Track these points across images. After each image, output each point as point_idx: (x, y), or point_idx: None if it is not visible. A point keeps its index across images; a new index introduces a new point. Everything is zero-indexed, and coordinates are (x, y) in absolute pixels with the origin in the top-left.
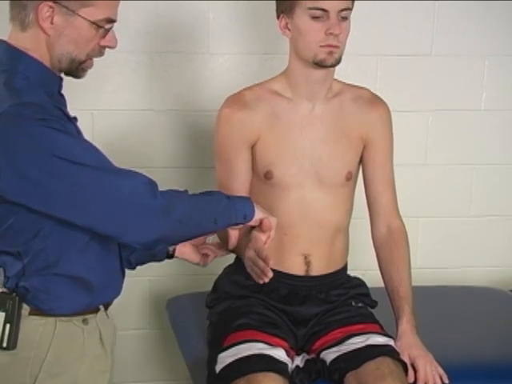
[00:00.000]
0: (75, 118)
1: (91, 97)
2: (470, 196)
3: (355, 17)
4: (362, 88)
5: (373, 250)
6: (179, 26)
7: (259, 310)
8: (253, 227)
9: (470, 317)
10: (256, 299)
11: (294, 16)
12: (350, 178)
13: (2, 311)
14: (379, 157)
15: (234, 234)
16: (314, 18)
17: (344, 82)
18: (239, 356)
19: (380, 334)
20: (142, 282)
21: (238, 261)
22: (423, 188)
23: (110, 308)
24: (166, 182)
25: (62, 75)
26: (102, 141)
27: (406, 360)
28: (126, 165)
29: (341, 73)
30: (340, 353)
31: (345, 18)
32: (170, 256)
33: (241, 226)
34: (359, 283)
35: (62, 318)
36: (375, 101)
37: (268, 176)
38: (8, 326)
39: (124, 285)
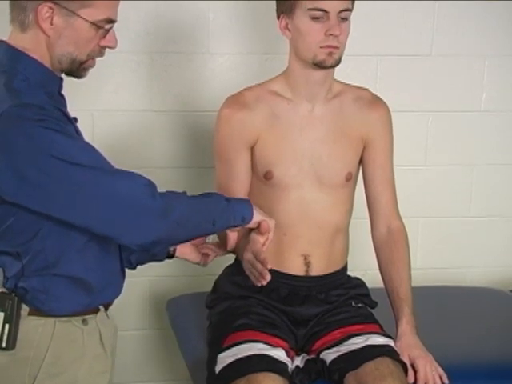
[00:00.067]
0: (75, 119)
1: (91, 97)
2: (470, 196)
3: (355, 17)
4: (362, 88)
5: (373, 250)
6: (179, 26)
7: (259, 310)
8: (251, 229)
9: (469, 317)
10: (256, 299)
11: (294, 17)
12: (350, 179)
13: (1, 311)
14: (379, 157)
15: (232, 235)
16: (314, 18)
17: (344, 83)
18: (239, 356)
19: (380, 334)
20: (142, 283)
21: (238, 261)
22: (423, 188)
23: (110, 308)
24: (165, 182)
25: (63, 75)
26: (102, 141)
27: (406, 360)
28: (126, 165)
29: (341, 73)
30: (340, 353)
31: (345, 19)
32: (171, 256)
33: (239, 227)
34: (359, 283)
35: (62, 319)
36: (375, 101)
37: (268, 176)
38: (7, 326)
39: (124, 285)
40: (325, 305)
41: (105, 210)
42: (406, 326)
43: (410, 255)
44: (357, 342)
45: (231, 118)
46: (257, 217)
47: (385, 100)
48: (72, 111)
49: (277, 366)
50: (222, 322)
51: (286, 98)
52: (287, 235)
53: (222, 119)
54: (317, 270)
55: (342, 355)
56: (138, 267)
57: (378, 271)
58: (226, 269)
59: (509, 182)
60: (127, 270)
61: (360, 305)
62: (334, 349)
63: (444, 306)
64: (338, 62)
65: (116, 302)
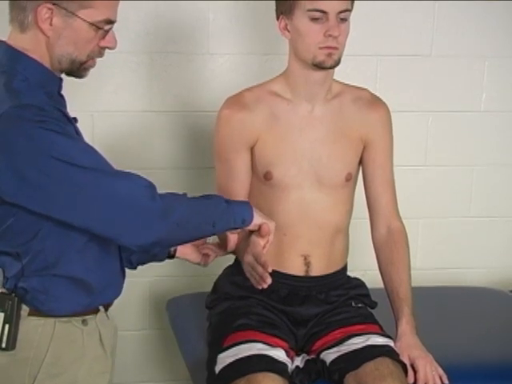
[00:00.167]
0: (75, 119)
1: (91, 97)
2: (470, 197)
3: (355, 17)
4: (361, 89)
5: (373, 250)
6: (179, 26)
7: (259, 310)
8: (251, 231)
9: (469, 317)
10: (256, 300)
11: (293, 17)
12: (350, 179)
13: (1, 312)
14: (379, 158)
15: (232, 237)
16: (313, 19)
17: (344, 83)
18: (239, 356)
19: (380, 334)
20: (142, 283)
21: (238, 262)
22: (423, 189)
23: (110, 309)
24: (165, 182)
25: (63, 76)
26: (102, 142)
27: (406, 361)
28: (126, 165)
29: (341, 73)
30: (340, 353)
31: (344, 20)
32: (171, 256)
33: (239, 230)
34: (359, 284)
35: (62, 319)
36: (375, 102)
37: (267, 177)
38: (7, 326)
39: (124, 285)
40: (325, 305)
41: (105, 211)
42: (405, 327)
43: (409, 256)
44: (357, 342)
45: (231, 118)
46: (257, 219)
47: (385, 100)
48: (72, 112)
49: (277, 366)
50: (221, 322)
51: (285, 99)
52: (287, 235)
53: (221, 120)
54: (317, 270)
55: (341, 355)
56: (138, 267)
57: (377, 271)
58: (225, 269)
59: (509, 182)
60: (127, 271)
61: (360, 305)
62: (334, 349)
63: (444, 306)
64: (337, 63)
65: (116, 302)
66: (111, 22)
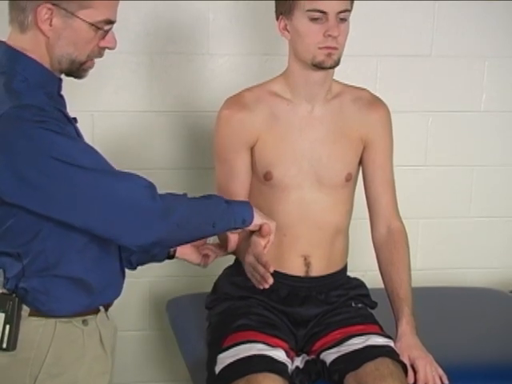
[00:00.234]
0: (75, 119)
1: (91, 98)
2: (470, 197)
3: (355, 17)
4: (361, 89)
5: (373, 250)
6: (179, 26)
7: (259, 310)
8: (252, 231)
9: (469, 318)
10: (256, 300)
11: (292, 18)
12: (350, 179)
13: (2, 312)
14: (379, 158)
15: (233, 237)
16: (313, 19)
17: (344, 83)
18: (239, 357)
19: (380, 334)
20: (142, 283)
21: (238, 262)
22: (423, 189)
23: (110, 309)
24: (165, 183)
25: (62, 76)
26: (102, 142)
27: (406, 361)
28: (126, 165)
29: (341, 74)
30: (340, 353)
31: (344, 20)
32: (171, 257)
33: (239, 230)
34: (359, 284)
35: (62, 319)
36: (375, 102)
37: (267, 177)
38: (8, 326)
39: (124, 286)
40: (325, 305)
41: (105, 211)
42: (405, 327)
43: (409, 256)
44: (357, 343)
45: (231, 118)
46: (257, 219)
47: (385, 100)
48: (72, 112)
49: (277, 366)
50: (221, 322)
51: (285, 99)
52: (287, 236)
53: (221, 120)
54: (317, 270)
55: (341, 356)
56: (138, 268)
57: (377, 272)
58: (225, 269)
59: (509, 183)
60: (127, 271)
61: (360, 305)
62: (334, 349)
63: (444, 306)
64: (337, 63)
65: (116, 302)
66: (111, 22)
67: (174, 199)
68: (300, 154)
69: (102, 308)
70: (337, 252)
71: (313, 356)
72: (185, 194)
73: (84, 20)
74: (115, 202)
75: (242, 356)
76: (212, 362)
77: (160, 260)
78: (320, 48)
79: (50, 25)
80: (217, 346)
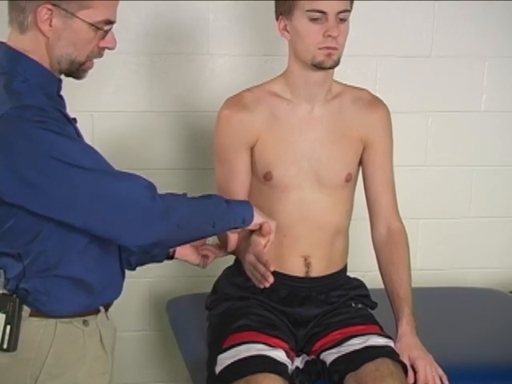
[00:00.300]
0: (74, 120)
1: (91, 98)
2: (470, 197)
3: (355, 17)
4: (361, 89)
5: (372, 251)
6: (179, 27)
7: (259, 311)
8: (252, 231)
9: (470, 318)
10: (256, 300)
11: (292, 18)
12: (350, 180)
13: (3, 313)
14: (379, 158)
15: (233, 237)
16: (313, 20)
17: (344, 84)
18: (239, 357)
19: (380, 335)
20: (142, 284)
21: (238, 262)
22: (423, 189)
23: (110, 309)
24: (165, 183)
25: (62, 77)
26: (102, 142)
27: (406, 361)
28: (126, 166)
29: (340, 74)
30: (340, 354)
31: (343, 20)
32: (170, 257)
33: (239, 229)
34: (359, 284)
35: (63, 320)
36: (375, 102)
37: (267, 177)
38: (8, 327)
39: (124, 286)
40: (325, 306)
41: (105, 211)
42: (406, 327)
43: (409, 256)
44: (357, 343)
45: (231, 118)
46: (257, 219)
47: (385, 101)
48: (72, 112)
49: (277, 366)
50: (221, 323)
51: (285, 99)
52: (287, 236)
53: (221, 120)
54: (317, 271)
55: (341, 356)
56: (138, 268)
57: (377, 272)
58: (225, 270)
59: (509, 183)
60: (127, 271)
61: (360, 306)
62: (334, 350)
63: (444, 306)
64: (336, 63)
65: (116, 302)
66: (111, 22)
67: (174, 199)
68: (300, 154)
69: (102, 308)
70: (337, 252)
71: (313, 356)
72: (185, 194)
73: (84, 20)
74: (115, 202)
75: (242, 356)
76: (212, 362)
77: (159, 260)
78: (320, 48)
79: (50, 25)
80: (217, 346)
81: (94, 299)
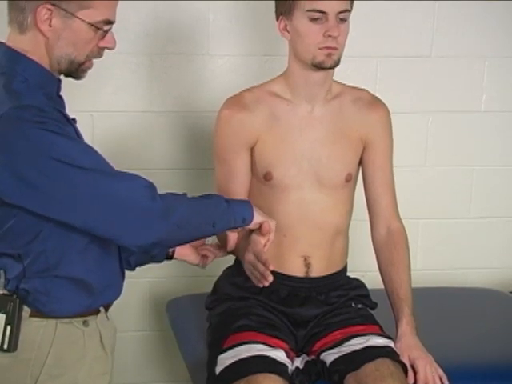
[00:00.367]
0: (74, 120)
1: (91, 98)
2: (470, 197)
3: (355, 17)
4: (361, 90)
5: (372, 251)
6: (179, 27)
7: (259, 311)
8: (252, 230)
9: (470, 318)
10: (256, 301)
11: (292, 18)
12: (350, 180)
13: (3, 313)
14: (379, 159)
15: (232, 236)
16: (313, 20)
17: (344, 84)
18: (239, 357)
19: (380, 335)
20: (142, 284)
21: (238, 262)
22: (423, 189)
23: (110, 310)
24: (165, 183)
25: (62, 77)
26: (102, 142)
27: (406, 361)
28: (126, 166)
29: (340, 74)
30: (340, 354)
31: (343, 20)
32: (170, 257)
33: (239, 229)
34: (359, 285)
35: (63, 320)
36: (375, 102)
37: (267, 177)
38: (9, 327)
39: (124, 286)
40: (325, 306)
41: (105, 211)
42: (406, 327)
43: (409, 256)
44: (357, 343)
45: (231, 119)
46: (257, 218)
47: (385, 101)
48: (72, 112)
49: (277, 367)
50: (221, 323)
51: (285, 99)
52: (287, 237)
53: (221, 120)
54: (317, 271)
55: (342, 356)
56: (138, 268)
57: (377, 272)
58: (225, 270)
59: (509, 183)
60: (127, 272)
61: (360, 306)
62: (334, 350)
63: (444, 307)
64: (337, 63)
65: (116, 303)
66: (110, 22)
67: (174, 199)
68: (300, 154)
69: (102, 309)
70: (337, 252)
71: (313, 356)
72: (185, 194)
73: (84, 20)
74: (115, 203)
75: (242, 357)
76: (212, 362)
77: (159, 261)
78: (320, 48)
79: (50, 25)
80: (217, 346)
81: (94, 299)
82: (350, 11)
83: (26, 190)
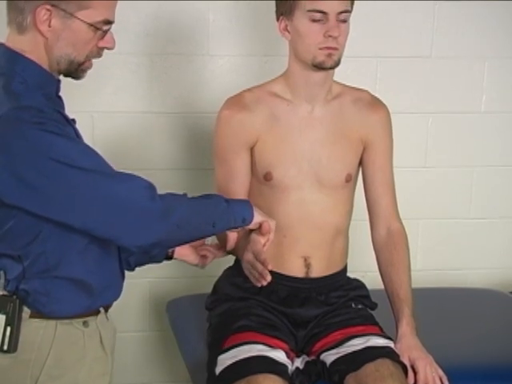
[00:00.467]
0: (74, 120)
1: (91, 99)
2: (470, 198)
3: (355, 18)
4: (361, 90)
5: (372, 252)
6: (179, 27)
7: (259, 311)
8: (251, 230)
9: (470, 318)
10: (256, 301)
11: (293, 18)
12: (350, 180)
13: (3, 314)
14: (379, 159)
15: (232, 236)
16: (313, 20)
17: (344, 84)
18: (239, 358)
19: (380, 335)
20: (142, 284)
21: (238, 263)
22: (423, 190)
23: (110, 310)
24: (165, 183)
25: (61, 77)
26: (102, 143)
27: (406, 362)
28: (126, 167)
29: (341, 74)
30: (340, 354)
31: (344, 20)
32: (169, 258)
33: (239, 228)
34: (359, 285)
35: (63, 321)
36: (375, 103)
37: (267, 177)
38: (9, 328)
39: (124, 287)
40: (325, 306)
41: (104, 212)
42: (406, 328)
43: (409, 257)
44: (357, 344)
45: (231, 119)
46: (257, 218)
47: (385, 101)
48: (72, 113)
49: (277, 367)
50: (221, 323)
51: (285, 100)
52: (287, 237)
53: (221, 120)
54: (317, 271)
55: (342, 357)
56: (138, 269)
57: (377, 273)
58: (225, 270)
59: (509, 184)
60: (127, 272)
61: (360, 306)
62: (334, 350)
63: (444, 307)
64: (337, 64)
65: (116, 303)
66: (109, 22)
67: (173, 199)
68: (300, 154)
69: (101, 309)
70: (337, 253)
71: (313, 357)
72: (185, 194)
73: (83, 20)
74: (115, 203)
75: (242, 357)
76: (212, 363)
77: (158, 261)
78: (320, 48)
79: (49, 26)
80: (217, 347)
81: (94, 300)
82: (350, 11)
83: (25, 190)
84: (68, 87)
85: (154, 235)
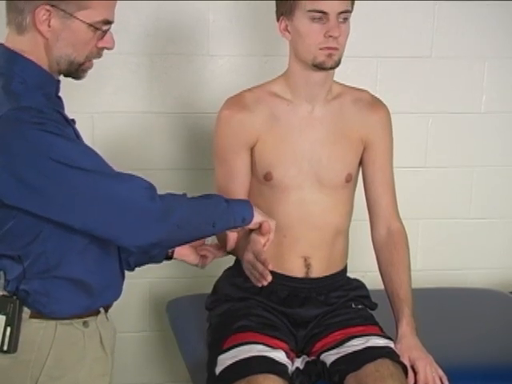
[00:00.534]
0: (73, 121)
1: (91, 99)
2: (470, 198)
3: (355, 18)
4: (361, 90)
5: (373, 251)
6: (179, 27)
7: (259, 312)
8: (251, 230)
9: (470, 318)
10: (256, 301)
11: (293, 18)
12: (350, 180)
13: (3, 314)
14: (379, 159)
15: (232, 236)
16: (314, 20)
17: (344, 84)
18: (239, 358)
19: (380, 335)
20: (142, 284)
21: (238, 263)
22: (423, 190)
23: (110, 310)
24: (165, 184)
25: (61, 77)
26: (102, 143)
27: (406, 362)
28: (126, 167)
29: (341, 75)
30: (340, 355)
31: (344, 20)
32: (169, 258)
33: (239, 228)
34: (359, 285)
35: (63, 321)
36: (375, 103)
37: (267, 178)
38: (9, 329)
39: (124, 287)
40: (325, 306)
41: (104, 212)
42: (406, 328)
43: (409, 257)
44: (357, 344)
45: (231, 119)
46: (257, 218)
47: (385, 102)
48: (72, 113)
49: (277, 367)
50: (221, 323)
51: (285, 100)
52: (287, 237)
53: (221, 120)
54: (317, 271)
55: (342, 357)
56: (138, 269)
57: (377, 273)
58: (225, 271)
59: (509, 184)
60: (127, 272)
61: (360, 306)
62: (334, 350)
63: (444, 307)
64: (337, 64)
65: (116, 303)
66: (109, 22)
67: (173, 200)
68: (300, 154)
69: (101, 309)
70: (337, 253)
71: (313, 357)
72: (184, 194)
73: (82, 21)
74: (115, 204)
75: (242, 357)
76: (212, 363)
77: (158, 261)
78: (321, 49)
79: (49, 26)
80: (217, 347)
81: (94, 300)
82: (350, 11)
83: (24, 191)
84: (68, 87)
85: (153, 235)
